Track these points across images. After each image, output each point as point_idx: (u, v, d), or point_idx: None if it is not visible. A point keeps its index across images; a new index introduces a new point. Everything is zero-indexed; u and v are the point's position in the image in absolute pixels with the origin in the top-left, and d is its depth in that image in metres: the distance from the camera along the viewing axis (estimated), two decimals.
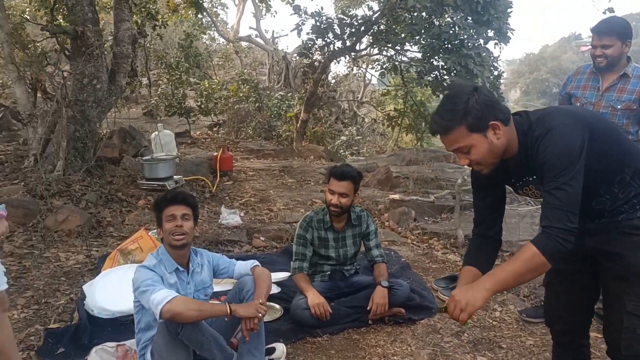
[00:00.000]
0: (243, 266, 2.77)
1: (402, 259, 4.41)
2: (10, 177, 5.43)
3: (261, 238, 4.88)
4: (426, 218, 5.72)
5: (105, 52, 6.09)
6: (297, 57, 12.95)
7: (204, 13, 11.79)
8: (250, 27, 31.33)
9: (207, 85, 11.46)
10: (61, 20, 7.29)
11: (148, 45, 10.45)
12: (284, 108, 11.86)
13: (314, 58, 10.24)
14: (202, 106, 11.17)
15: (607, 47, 3.10)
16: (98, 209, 5.09)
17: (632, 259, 1.82)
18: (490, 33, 7.51)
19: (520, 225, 4.78)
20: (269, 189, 6.73)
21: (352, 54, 10.29)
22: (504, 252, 4.48)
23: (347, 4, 15.46)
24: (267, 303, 2.61)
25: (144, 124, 10.00)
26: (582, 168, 1.70)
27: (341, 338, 3.10)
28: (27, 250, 4.22)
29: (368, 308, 3.18)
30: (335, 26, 8.50)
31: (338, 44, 8.91)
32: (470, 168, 1.95)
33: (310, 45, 9.09)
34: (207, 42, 18.93)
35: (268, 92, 12.88)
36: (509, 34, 7.56)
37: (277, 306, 3.36)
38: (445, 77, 8.27)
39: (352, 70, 15.36)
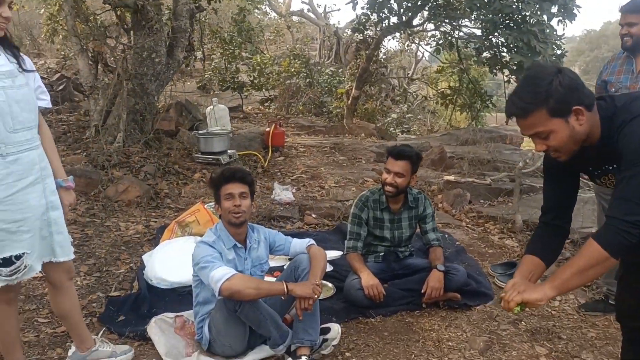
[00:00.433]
0: (299, 244, 2.77)
1: (457, 243, 4.31)
2: (72, 147, 5.64)
3: (313, 215, 4.88)
4: (482, 201, 5.56)
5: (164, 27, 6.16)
6: (349, 33, 12.77)
7: None
8: (303, 2, 31.07)
9: (259, 60, 11.48)
10: None
11: (203, 19, 10.52)
12: (334, 84, 11.76)
13: (368, 34, 10.06)
14: (254, 81, 11.21)
15: (632, 25, 2.93)
16: (156, 180, 5.22)
17: None
18: (554, 9, 7.15)
19: (583, 211, 4.58)
20: (320, 165, 6.72)
21: (407, 29, 10.02)
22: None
23: None
24: (321, 281, 2.61)
25: (198, 97, 10.14)
26: None
27: (394, 320, 3.07)
28: (89, 219, 4.38)
29: (422, 291, 3.13)
30: (392, 0, 8.28)
31: (393, 19, 8.70)
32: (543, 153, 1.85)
33: (364, 20, 8.92)
34: (260, 16, 18.91)
35: (319, 67, 12.78)
36: (575, 10, 7.17)
37: (330, 285, 3.36)
38: (504, 54, 7.98)
39: (405, 46, 15.01)
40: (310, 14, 18.20)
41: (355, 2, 8.49)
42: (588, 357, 2.74)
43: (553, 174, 1.97)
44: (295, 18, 18.90)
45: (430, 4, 8.38)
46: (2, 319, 2.13)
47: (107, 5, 6.06)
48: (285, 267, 2.99)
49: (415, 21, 9.21)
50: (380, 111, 12.37)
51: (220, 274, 2.31)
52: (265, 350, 2.59)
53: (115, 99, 5.69)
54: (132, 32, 6.05)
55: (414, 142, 8.43)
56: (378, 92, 12.73)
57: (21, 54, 2.09)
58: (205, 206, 4.02)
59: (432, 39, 11.20)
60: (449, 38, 9.34)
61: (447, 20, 8.64)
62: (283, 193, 5.21)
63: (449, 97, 10.53)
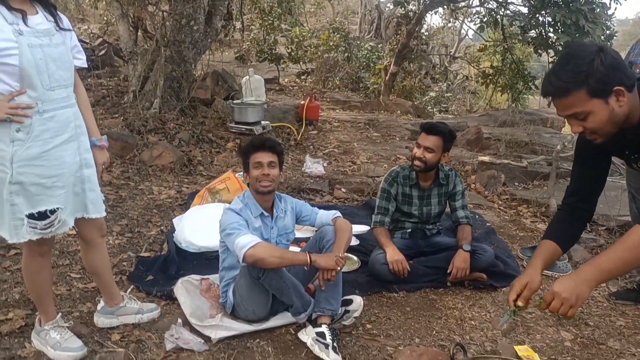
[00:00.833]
0: (325, 216, 2.76)
1: (487, 224, 4.25)
2: (111, 110, 5.75)
3: (342, 189, 4.88)
4: (516, 183, 5.44)
5: None
6: (391, 7, 12.51)
7: None
8: None
9: (298, 32, 11.39)
10: None
11: None
12: (373, 59, 11.59)
13: (409, 8, 9.83)
14: (292, 53, 11.15)
15: None
16: (190, 147, 5.30)
17: None
18: None
19: (621, 198, 4.42)
20: (353, 141, 6.68)
21: (451, 5, 9.75)
22: (600, 226, 4.19)
23: None
24: (346, 254, 2.61)
25: (235, 68, 10.17)
26: None
27: (418, 296, 3.06)
28: (124, 182, 4.49)
29: (448, 271, 3.10)
30: None
31: None
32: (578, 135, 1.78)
33: None
34: None
35: (358, 42, 12.60)
36: None
37: (355, 258, 3.37)
38: (551, 34, 7.68)
39: (448, 22, 14.64)
40: None
41: None
42: (615, 344, 2.68)
43: (585, 156, 1.90)
44: None
45: None
46: (36, 271, 2.21)
47: None
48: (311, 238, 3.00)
49: None
50: (419, 89, 12.15)
51: (245, 242, 2.34)
52: (287, 317, 2.62)
53: (154, 65, 5.75)
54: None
55: (451, 121, 8.28)
56: (418, 69, 12.49)
57: (58, 13, 2.12)
58: (236, 175, 4.07)
59: (476, 15, 10.87)
60: (494, 15, 9.04)
61: None
62: (314, 166, 5.22)
63: (490, 77, 10.22)
